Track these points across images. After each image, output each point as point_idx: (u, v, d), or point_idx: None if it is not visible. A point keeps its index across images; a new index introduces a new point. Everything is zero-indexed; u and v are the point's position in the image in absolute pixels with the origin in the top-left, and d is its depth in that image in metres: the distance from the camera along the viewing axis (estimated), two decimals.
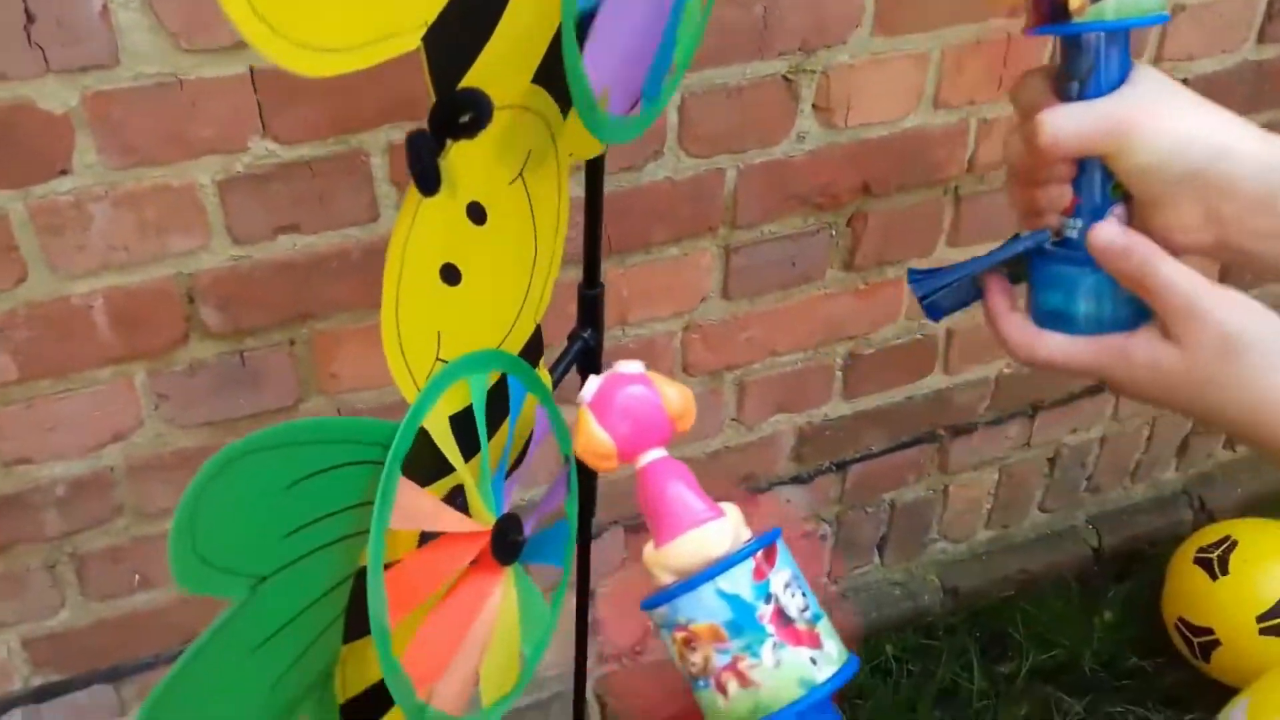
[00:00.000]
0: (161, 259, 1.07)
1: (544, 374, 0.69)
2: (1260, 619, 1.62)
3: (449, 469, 0.57)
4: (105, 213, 1.02)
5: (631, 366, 0.55)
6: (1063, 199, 0.55)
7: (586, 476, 0.88)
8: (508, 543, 0.63)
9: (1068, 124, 0.53)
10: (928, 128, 1.35)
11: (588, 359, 0.81)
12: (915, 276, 0.60)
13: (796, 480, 1.64)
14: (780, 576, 0.51)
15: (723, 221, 1.32)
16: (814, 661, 0.50)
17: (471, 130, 0.51)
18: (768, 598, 0.50)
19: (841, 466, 1.66)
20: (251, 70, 1.00)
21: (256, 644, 0.51)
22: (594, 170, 0.75)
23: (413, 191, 0.51)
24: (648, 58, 0.64)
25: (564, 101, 0.61)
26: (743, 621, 0.50)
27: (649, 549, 0.53)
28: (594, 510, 0.93)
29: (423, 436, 0.55)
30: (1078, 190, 0.55)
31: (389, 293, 0.51)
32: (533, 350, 0.66)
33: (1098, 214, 0.55)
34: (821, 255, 1.40)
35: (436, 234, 0.53)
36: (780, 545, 0.53)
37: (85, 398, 1.12)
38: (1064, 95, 0.54)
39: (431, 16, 0.47)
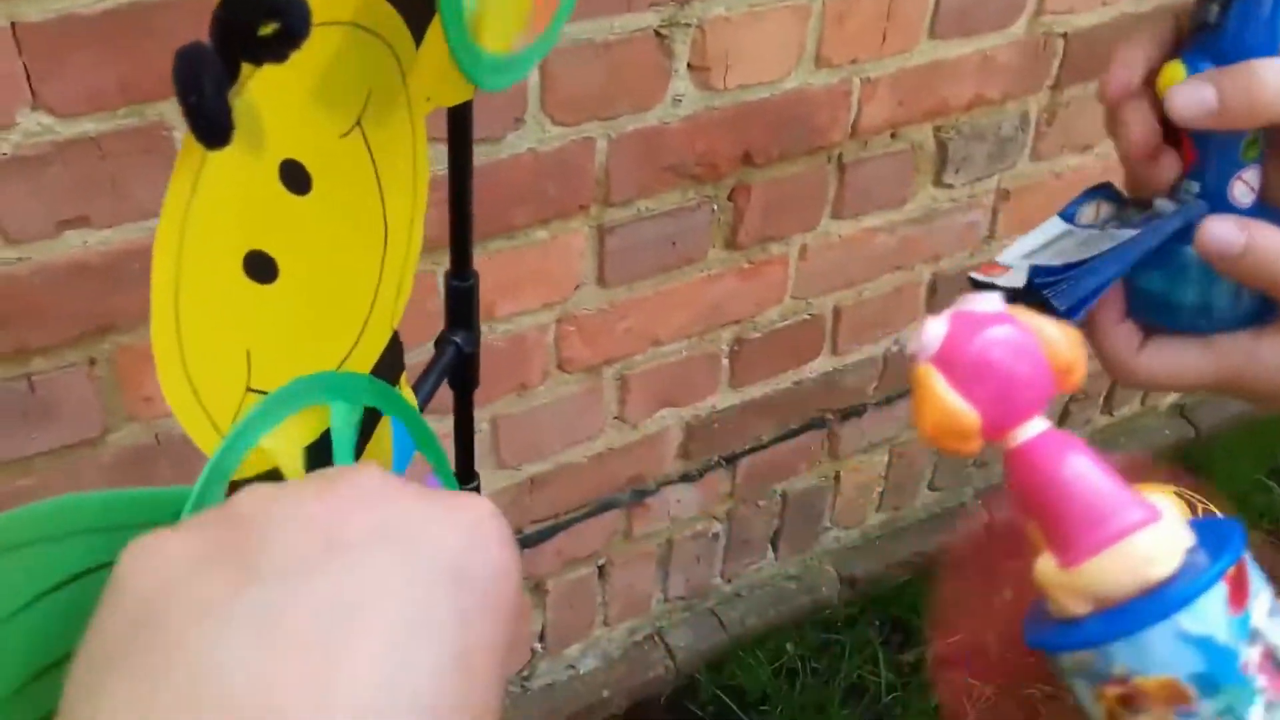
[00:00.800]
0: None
1: (407, 392, 0.53)
2: None
3: None
4: None
5: (988, 302, 0.38)
6: (1176, 161, 0.43)
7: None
8: None
9: (1198, 97, 0.40)
10: (810, 88, 1.24)
11: (461, 370, 0.66)
12: (1042, 277, 0.43)
13: (685, 479, 1.52)
14: (1261, 603, 0.36)
15: (594, 199, 1.18)
16: None
17: (278, 49, 0.35)
18: (1251, 636, 0.35)
19: (731, 460, 1.54)
20: (13, 26, 0.81)
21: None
22: (459, 123, 0.59)
23: (190, 145, 0.34)
24: None
25: (418, 23, 0.46)
26: (1218, 674, 0.35)
27: (1047, 565, 0.37)
28: None
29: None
30: (1200, 145, 0.42)
31: (162, 302, 0.35)
32: (390, 364, 0.50)
33: (1223, 179, 0.42)
34: (703, 233, 1.28)
35: (235, 208, 0.37)
36: (1248, 552, 0.37)
37: None
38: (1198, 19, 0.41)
39: None
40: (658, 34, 1.10)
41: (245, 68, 0.35)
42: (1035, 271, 0.43)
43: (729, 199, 1.28)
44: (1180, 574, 0.35)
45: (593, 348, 1.29)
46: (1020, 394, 0.37)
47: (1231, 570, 0.35)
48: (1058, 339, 0.37)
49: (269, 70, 0.36)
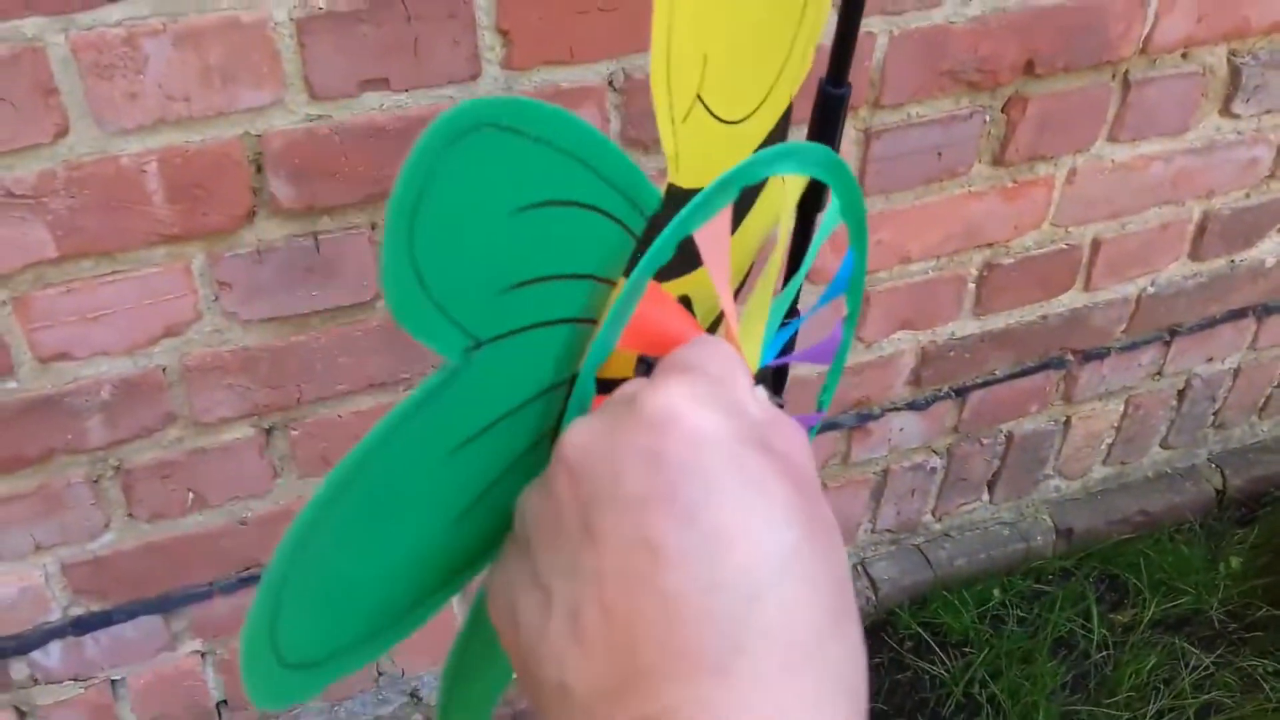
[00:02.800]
0: (227, 115, 0.89)
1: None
2: None
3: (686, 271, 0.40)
4: (163, 52, 0.84)
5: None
6: None
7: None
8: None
9: None
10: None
11: (831, 108, 0.63)
12: None
13: (912, 406, 1.47)
14: None
15: (865, 100, 1.13)
16: None
17: None
18: None
19: (961, 392, 1.49)
20: None
21: (456, 443, 0.33)
22: None
23: None
24: None
25: None
26: None
27: None
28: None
29: (669, 215, 0.37)
30: None
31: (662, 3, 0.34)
32: (781, 135, 0.48)
33: None
34: (971, 146, 1.22)
35: None
36: None
37: (134, 283, 0.95)
38: None
39: None
40: None
41: None
42: None
43: (1003, 110, 1.21)
44: None
45: (840, 260, 1.25)
46: None
47: None
48: None
49: None
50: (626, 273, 0.36)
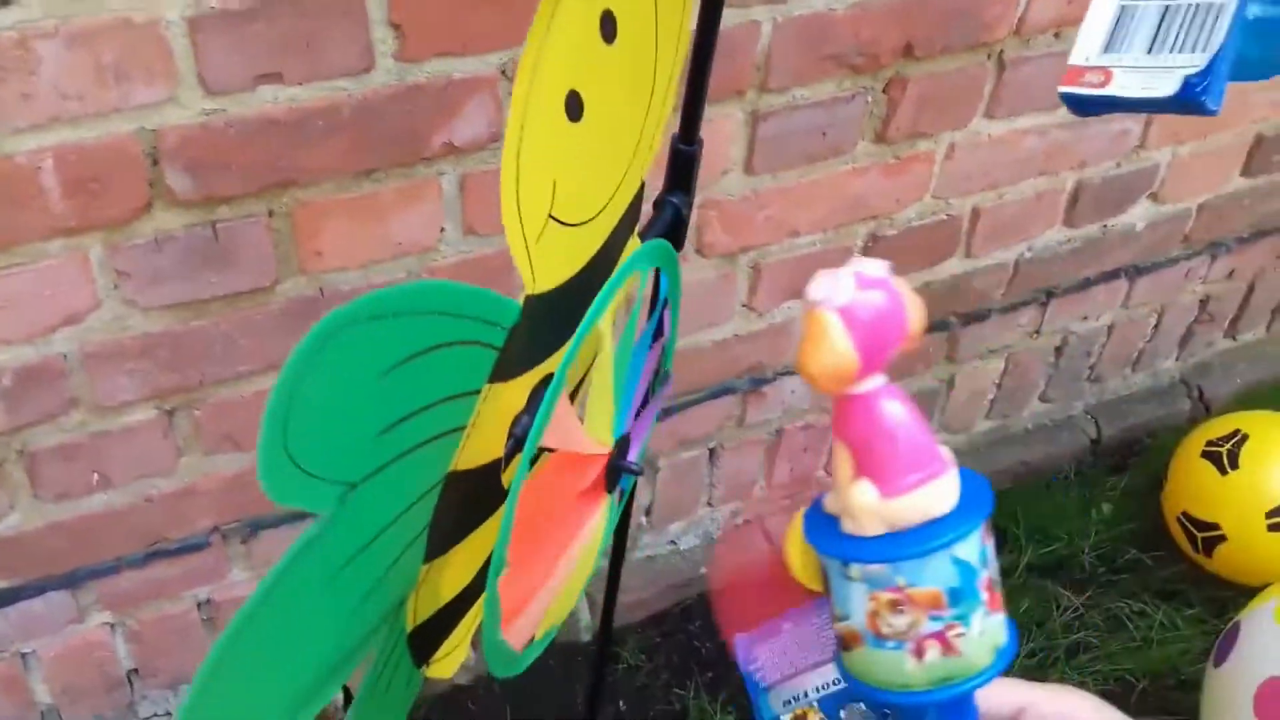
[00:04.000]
0: (121, 111, 0.90)
1: (635, 242, 0.56)
2: (1270, 515, 1.58)
3: (543, 358, 0.45)
4: (56, 53, 0.85)
5: (876, 268, 0.42)
6: None
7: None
8: (616, 467, 0.51)
9: None
10: None
11: (676, 230, 0.68)
12: (1198, 89, 0.45)
13: None
14: (990, 537, 0.44)
15: (751, 84, 1.18)
16: (1006, 626, 0.44)
17: None
18: (985, 563, 0.43)
19: None
20: None
21: (340, 565, 0.39)
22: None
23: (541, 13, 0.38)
24: None
25: None
26: (965, 590, 0.42)
27: (864, 492, 0.42)
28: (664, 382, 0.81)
29: (528, 320, 0.43)
30: None
31: (515, 121, 0.39)
32: (634, 214, 0.53)
33: None
34: (854, 125, 1.27)
35: (568, 51, 0.41)
36: None
37: (32, 274, 0.96)
38: None
39: None
40: None
41: None
42: (1188, 83, 0.44)
43: (884, 91, 1.26)
44: (958, 511, 0.42)
45: (731, 234, 1.30)
46: (885, 350, 0.41)
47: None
48: (916, 308, 0.42)
49: None
50: (491, 379, 0.41)
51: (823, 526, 0.45)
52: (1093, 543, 1.75)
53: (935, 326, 1.60)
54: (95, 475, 1.13)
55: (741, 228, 1.30)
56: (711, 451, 1.58)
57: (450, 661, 0.57)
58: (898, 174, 1.35)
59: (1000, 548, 1.68)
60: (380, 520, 0.39)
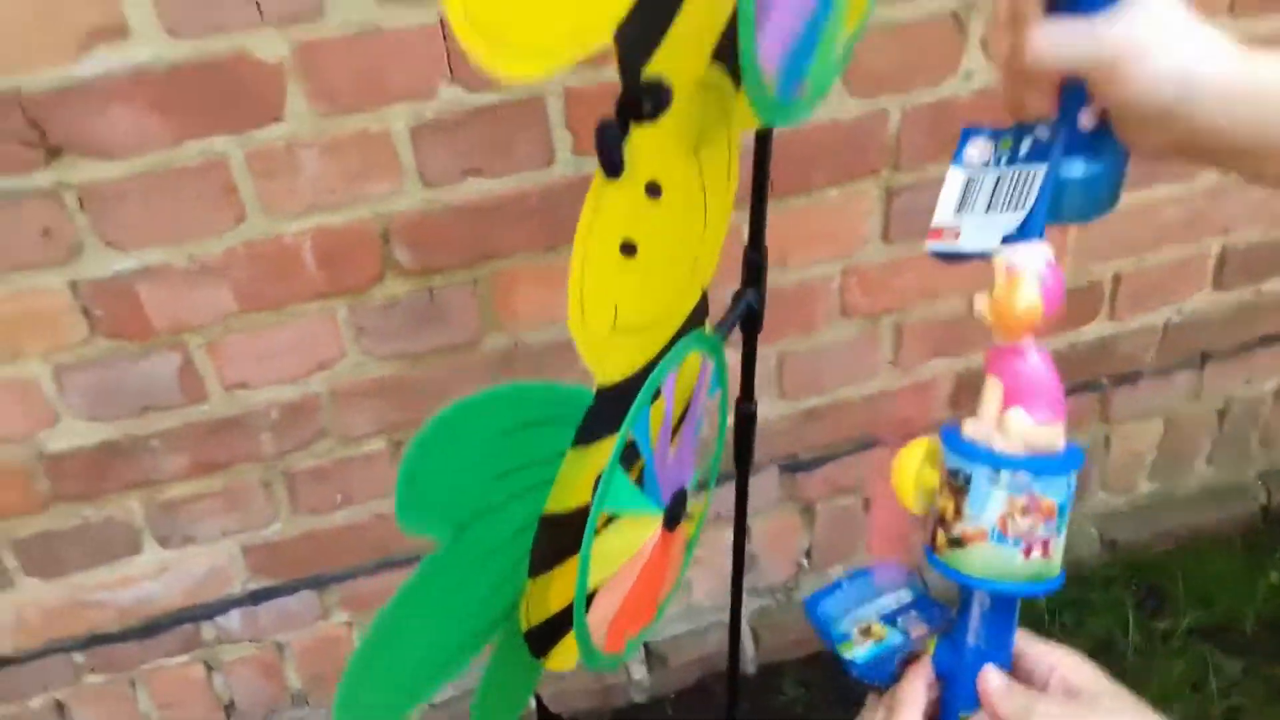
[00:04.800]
0: (362, 202, 1.17)
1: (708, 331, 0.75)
2: None
3: (614, 429, 0.65)
4: (314, 158, 1.13)
5: (1050, 251, 0.56)
6: (1046, 102, 0.59)
7: (745, 422, 0.94)
8: (677, 515, 0.70)
9: (1056, 45, 0.56)
10: None
11: (750, 320, 0.86)
12: (1008, 239, 0.60)
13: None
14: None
15: (885, 164, 1.34)
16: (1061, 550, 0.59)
17: (654, 115, 0.56)
18: (1071, 497, 0.57)
19: None
20: (441, 19, 1.08)
21: (457, 580, 0.59)
22: (762, 138, 0.80)
23: (598, 176, 0.56)
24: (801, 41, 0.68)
25: (738, 74, 0.65)
26: (1065, 510, 0.57)
27: (1020, 418, 0.56)
28: (752, 453, 0.98)
29: (600, 403, 0.62)
30: (1061, 95, 0.58)
31: (575, 274, 0.57)
32: (700, 313, 0.72)
33: (1074, 109, 0.58)
34: None
35: (618, 213, 0.59)
36: None
37: (295, 330, 1.24)
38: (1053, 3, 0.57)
39: (622, 14, 0.50)
40: (955, 16, 1.25)
41: (632, 126, 0.57)
42: (1004, 237, 0.60)
43: None
44: (1072, 451, 0.56)
45: (872, 297, 1.46)
46: (1051, 313, 0.56)
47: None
48: (1063, 285, 0.57)
49: (645, 126, 0.57)
50: (574, 444, 0.61)
51: (964, 447, 0.57)
52: (1257, 609, 1.75)
53: (1086, 386, 1.68)
54: (339, 495, 1.40)
55: (881, 291, 1.46)
56: (866, 500, 1.71)
57: (567, 657, 0.75)
58: None
59: (1159, 608, 1.71)
60: (486, 548, 0.59)
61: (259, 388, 1.27)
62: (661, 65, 0.56)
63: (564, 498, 0.64)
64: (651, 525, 0.70)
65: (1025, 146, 0.62)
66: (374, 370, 1.30)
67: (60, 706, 1.45)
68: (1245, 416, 1.83)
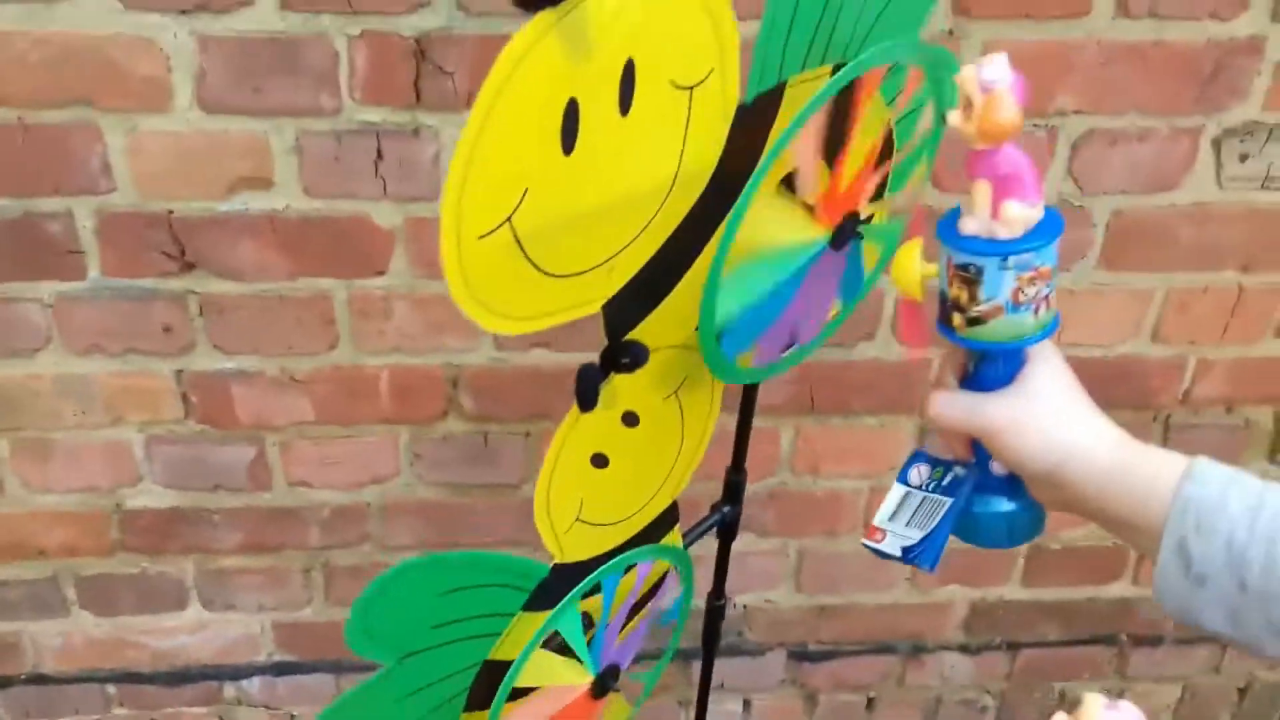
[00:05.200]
0: (439, 351, 1.31)
1: (676, 536, 0.85)
2: None
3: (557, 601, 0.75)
4: (405, 309, 1.27)
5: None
6: (962, 449, 0.71)
7: (713, 615, 1.03)
8: (604, 685, 0.79)
9: (947, 411, 0.67)
10: (1144, 357, 1.40)
11: (725, 531, 0.96)
12: (913, 556, 0.70)
13: (964, 649, 1.69)
14: None
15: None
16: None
17: (630, 369, 0.68)
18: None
19: (1013, 647, 1.70)
20: None
21: (400, 696, 0.70)
22: (749, 394, 0.90)
23: (574, 409, 0.68)
24: (793, 328, 0.78)
25: None
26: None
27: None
28: (718, 640, 1.07)
29: (554, 578, 0.72)
30: (975, 446, 0.70)
31: (545, 473, 0.69)
32: (667, 519, 0.82)
33: (986, 456, 0.69)
34: None
35: (591, 433, 0.70)
36: None
37: (359, 444, 1.38)
38: (959, 375, 0.69)
39: (611, 293, 0.63)
40: None
41: (612, 373, 0.68)
42: (905, 550, 0.69)
43: None
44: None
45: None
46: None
47: None
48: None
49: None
50: (524, 607, 0.72)
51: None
52: None
53: (1103, 640, 1.70)
54: None
55: None
56: (870, 700, 1.76)
57: None
58: None
59: None
60: (430, 677, 0.70)
61: (318, 488, 1.41)
62: (645, 334, 0.67)
63: (508, 649, 0.74)
64: (582, 677, 0.79)
65: (948, 479, 0.72)
66: (422, 492, 1.43)
67: None
68: (1267, 698, 1.81)
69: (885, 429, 1.44)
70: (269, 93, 1.14)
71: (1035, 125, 1.22)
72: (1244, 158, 1.26)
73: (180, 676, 1.55)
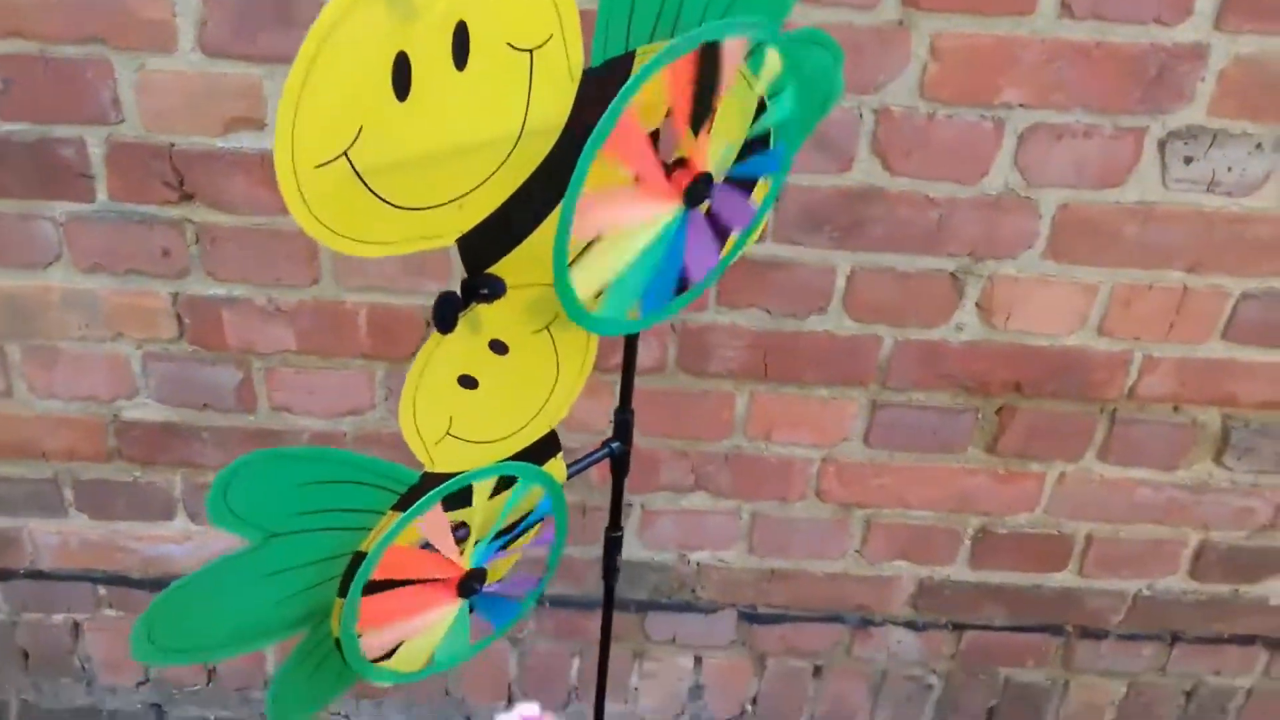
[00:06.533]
0: (415, 293, 1.40)
1: (560, 466, 0.93)
2: None
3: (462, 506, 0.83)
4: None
5: (533, 710, 0.72)
6: None
7: (610, 546, 1.10)
8: (469, 586, 0.88)
9: None
10: (1089, 349, 1.45)
11: (617, 463, 1.03)
12: None
13: (910, 625, 1.75)
14: None
15: (874, 380, 1.49)
16: None
17: (489, 299, 0.74)
18: None
19: (959, 627, 1.75)
20: None
21: (266, 574, 0.78)
22: (630, 344, 0.98)
23: (434, 333, 0.75)
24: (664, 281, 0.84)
25: None
26: None
27: None
28: (617, 571, 1.14)
29: (425, 483, 0.81)
30: None
31: (409, 388, 0.76)
32: (545, 447, 0.90)
33: None
34: (964, 433, 1.54)
35: (457, 355, 0.77)
36: None
37: (339, 377, 1.48)
38: None
39: (465, 229, 0.69)
40: (953, 275, 1.40)
41: (473, 304, 0.75)
42: None
43: (995, 414, 1.52)
44: None
45: (846, 489, 1.60)
46: None
47: None
48: None
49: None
50: (394, 506, 0.80)
51: None
52: None
53: (1049, 629, 1.75)
54: None
55: (856, 487, 1.59)
56: (817, 668, 1.82)
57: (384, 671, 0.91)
58: (1007, 483, 1.58)
59: None
60: (299, 559, 0.78)
61: (299, 414, 1.51)
62: (505, 269, 0.73)
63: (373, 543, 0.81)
64: (445, 572, 0.87)
65: None
66: (395, 426, 1.52)
67: (77, 627, 1.71)
68: (1214, 704, 1.85)
69: (837, 400, 1.51)
70: (264, 42, 1.24)
71: (982, 116, 1.27)
72: (1188, 160, 1.30)
73: (166, 582, 1.66)
